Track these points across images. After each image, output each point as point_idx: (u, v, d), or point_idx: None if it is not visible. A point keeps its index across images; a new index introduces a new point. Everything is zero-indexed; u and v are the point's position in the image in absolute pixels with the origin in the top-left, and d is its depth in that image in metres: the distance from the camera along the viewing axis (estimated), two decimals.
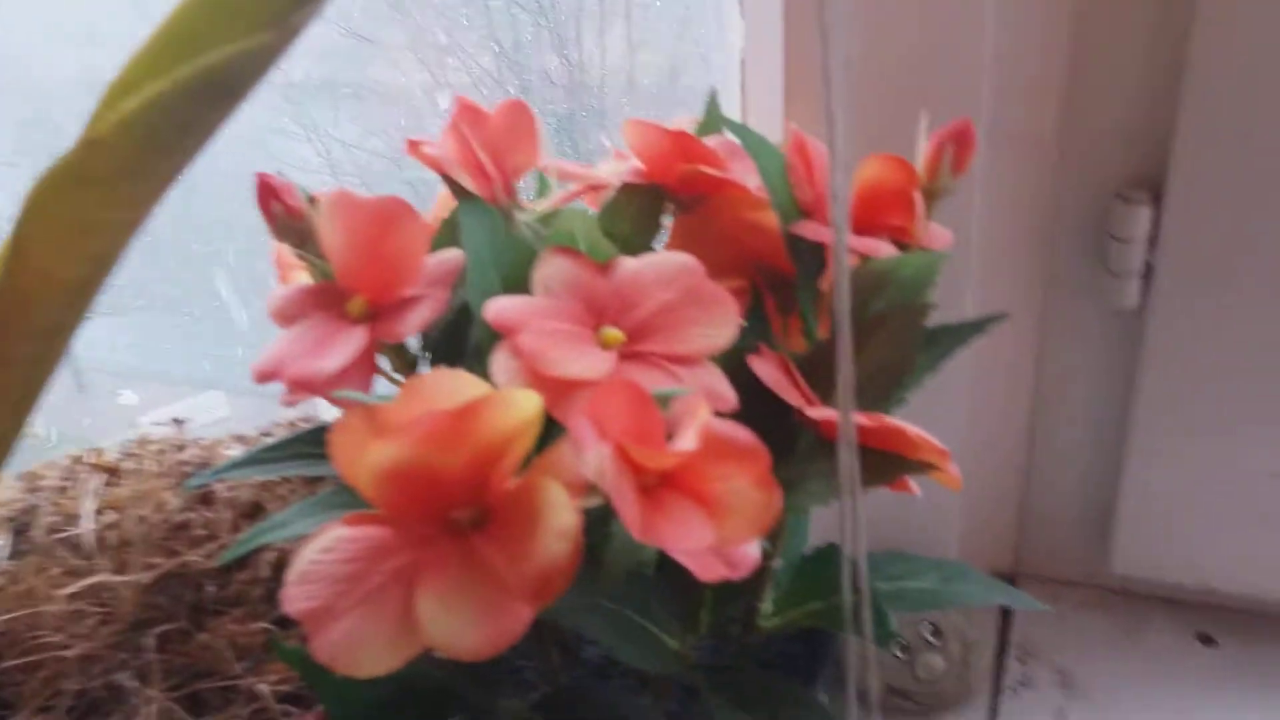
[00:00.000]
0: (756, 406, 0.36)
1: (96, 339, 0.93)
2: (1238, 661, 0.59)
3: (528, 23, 0.76)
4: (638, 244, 0.38)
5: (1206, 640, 0.61)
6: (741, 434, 0.28)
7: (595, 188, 0.40)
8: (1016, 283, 0.57)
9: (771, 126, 0.52)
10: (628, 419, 0.28)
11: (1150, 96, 0.50)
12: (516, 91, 0.79)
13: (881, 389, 0.36)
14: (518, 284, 0.34)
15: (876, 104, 0.50)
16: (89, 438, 0.53)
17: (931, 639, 0.59)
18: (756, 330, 0.38)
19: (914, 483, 0.36)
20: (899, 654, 0.59)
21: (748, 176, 0.37)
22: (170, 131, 0.27)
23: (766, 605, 0.43)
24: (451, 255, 0.35)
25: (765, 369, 0.34)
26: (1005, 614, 0.64)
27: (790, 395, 0.34)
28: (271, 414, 0.51)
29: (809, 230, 0.36)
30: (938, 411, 0.59)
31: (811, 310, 0.37)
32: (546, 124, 0.77)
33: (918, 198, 0.37)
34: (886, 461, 0.33)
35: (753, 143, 0.37)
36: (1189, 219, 0.50)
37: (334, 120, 0.85)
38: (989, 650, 0.61)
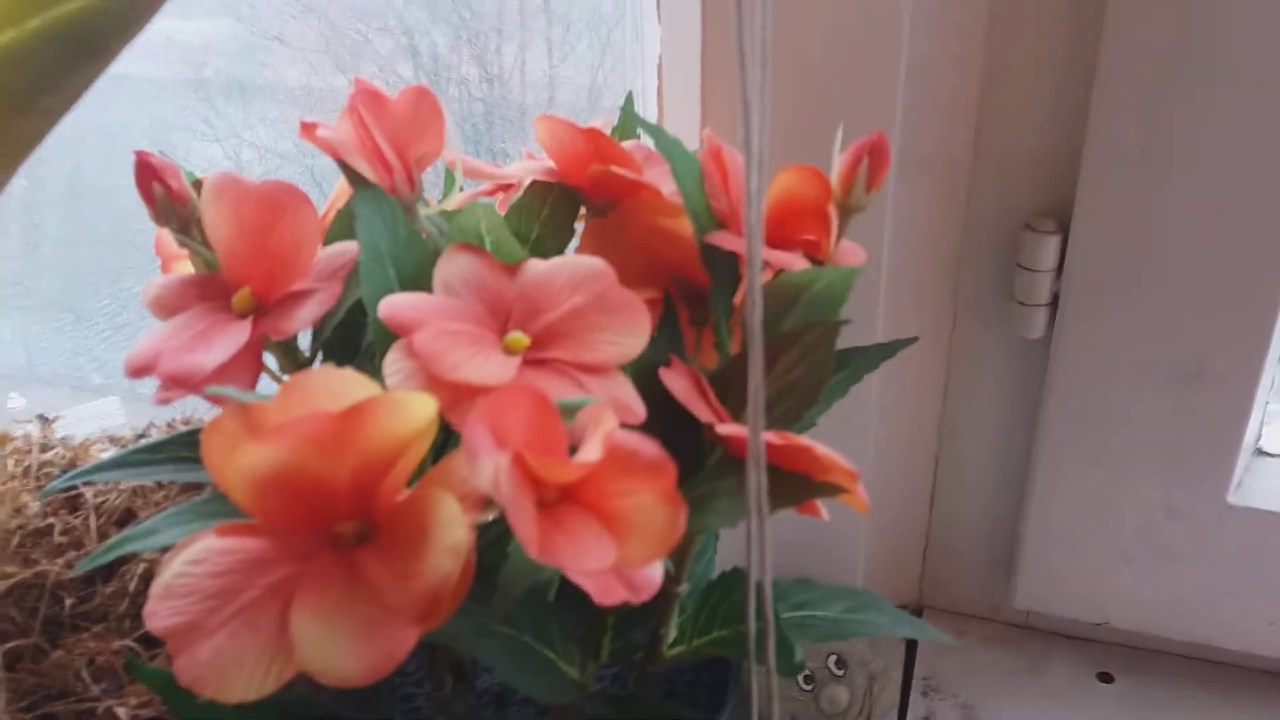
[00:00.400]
0: (666, 421, 0.34)
1: None
2: (1135, 699, 0.60)
3: (447, 33, 0.75)
4: (548, 246, 0.36)
5: (1105, 678, 0.61)
6: (647, 447, 0.27)
7: (505, 187, 0.38)
8: (926, 309, 0.56)
9: (689, 134, 0.51)
10: (528, 428, 0.26)
11: (1059, 127, 0.51)
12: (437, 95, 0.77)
13: (793, 408, 0.35)
14: (417, 281, 0.32)
15: (789, 124, 0.49)
16: None
17: (836, 670, 0.58)
18: (669, 342, 0.36)
19: (822, 508, 0.35)
20: (803, 686, 0.58)
21: (663, 181, 0.36)
22: (23, 90, 0.25)
23: (672, 632, 0.42)
24: (346, 248, 0.32)
25: (676, 382, 0.33)
26: (910, 647, 0.64)
27: (700, 410, 0.33)
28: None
29: (724, 240, 0.34)
30: (845, 438, 0.58)
31: (725, 324, 0.35)
32: (465, 136, 0.75)
33: (832, 212, 0.36)
34: (795, 482, 0.31)
35: (668, 146, 0.35)
36: (1094, 251, 0.51)
37: (245, 121, 0.82)
38: (894, 683, 0.60)
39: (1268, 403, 0.56)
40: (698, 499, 0.33)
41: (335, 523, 0.27)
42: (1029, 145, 0.52)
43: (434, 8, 0.74)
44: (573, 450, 0.27)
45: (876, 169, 0.36)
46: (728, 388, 0.36)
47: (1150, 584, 0.58)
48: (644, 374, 0.34)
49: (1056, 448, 0.56)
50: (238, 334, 0.31)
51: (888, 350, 0.45)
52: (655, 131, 0.36)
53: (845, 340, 0.45)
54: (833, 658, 0.58)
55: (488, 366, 0.29)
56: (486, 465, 0.25)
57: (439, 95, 0.73)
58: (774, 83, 0.49)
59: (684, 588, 0.40)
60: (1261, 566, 0.55)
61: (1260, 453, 0.57)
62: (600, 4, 0.61)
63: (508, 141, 0.76)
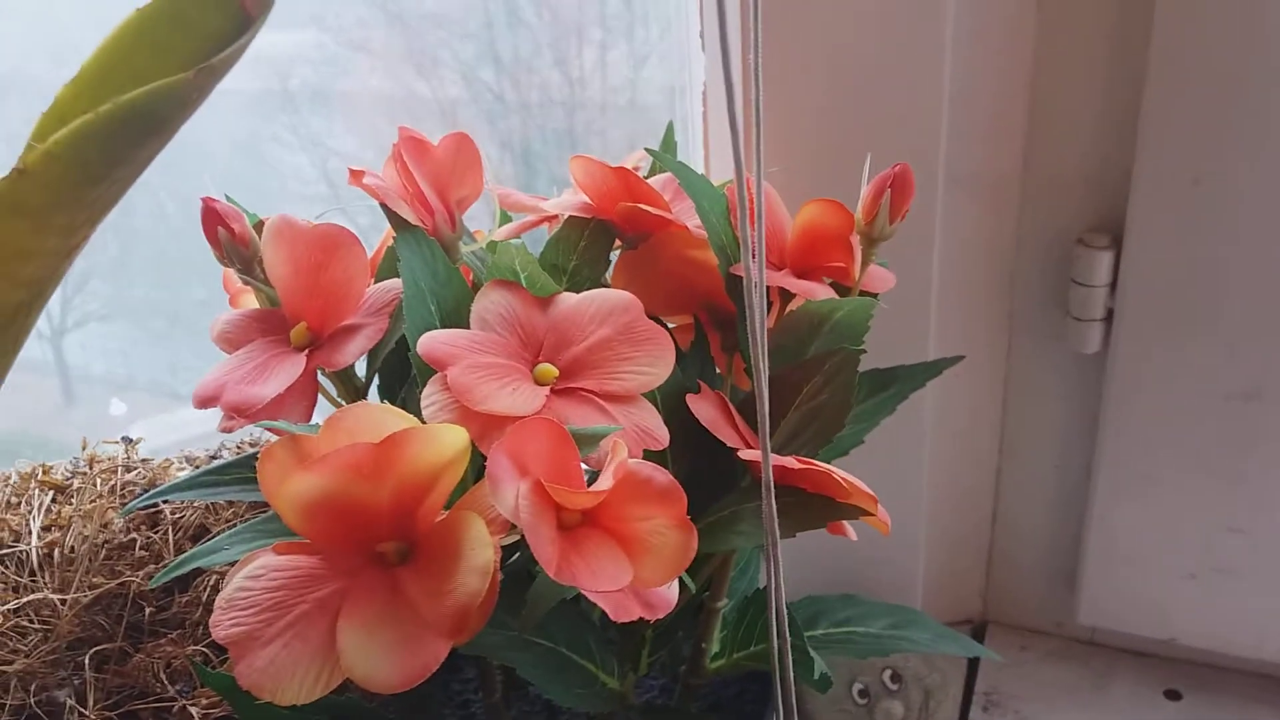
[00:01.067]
0: (700, 444, 0.36)
1: (89, 347, 0.93)
2: (1202, 717, 0.59)
3: (528, 37, 0.76)
4: (584, 276, 0.38)
5: (1173, 695, 0.60)
6: (659, 475, 0.28)
7: (545, 220, 0.40)
8: (979, 326, 0.57)
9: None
10: (547, 457, 0.28)
11: (1109, 142, 0.51)
12: (516, 106, 0.78)
13: (820, 431, 0.36)
14: (456, 315, 0.34)
15: (835, 147, 0.50)
16: (77, 448, 0.52)
17: (891, 685, 0.59)
18: (699, 367, 0.38)
19: (850, 529, 0.36)
20: (858, 700, 0.58)
21: (694, 214, 0.37)
22: (98, 163, 0.27)
23: (714, 646, 0.43)
24: (392, 285, 0.35)
25: (703, 409, 0.35)
26: (972, 662, 0.64)
27: (727, 435, 0.34)
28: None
29: (735, 274, 0.36)
30: (901, 454, 0.59)
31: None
32: (545, 139, 0.76)
33: (855, 241, 0.37)
34: (816, 505, 0.33)
35: (692, 181, 0.37)
36: (1149, 265, 0.51)
37: (330, 130, 0.84)
38: (952, 698, 0.60)
39: None
40: (724, 520, 0.34)
41: (378, 543, 0.29)
42: (1079, 161, 0.52)
43: (514, 11, 0.75)
44: (596, 476, 0.29)
45: (899, 200, 0.37)
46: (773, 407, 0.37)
47: (1215, 600, 0.57)
48: (677, 398, 0.36)
49: (1115, 463, 0.56)
50: (294, 367, 0.34)
51: (933, 369, 0.46)
52: (679, 168, 0.38)
53: (899, 357, 0.46)
54: (888, 672, 0.58)
55: (515, 398, 0.31)
56: (508, 492, 0.27)
57: (520, 98, 0.75)
58: (820, 108, 0.50)
59: (724, 604, 0.42)
60: None
61: None
62: (681, 5, 0.62)
63: (590, 140, 0.76)
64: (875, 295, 0.40)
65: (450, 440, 0.27)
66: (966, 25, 0.48)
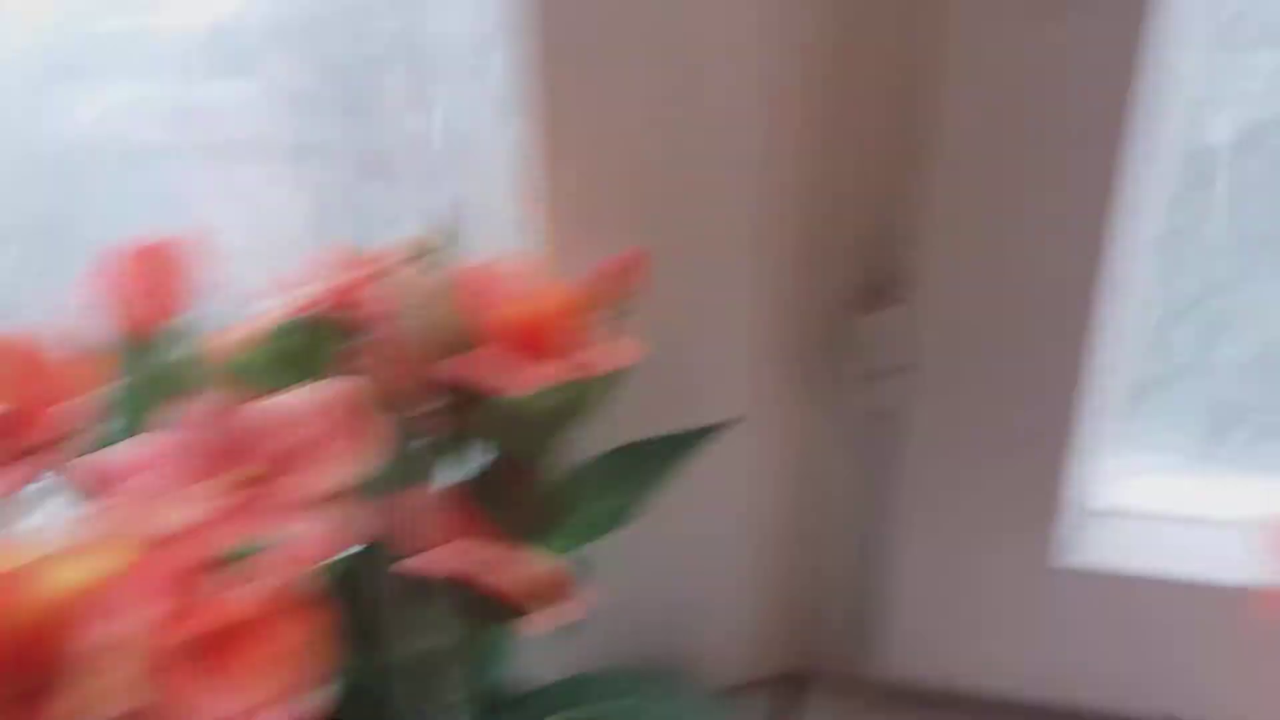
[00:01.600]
0: None
1: None
2: None
3: (473, 85, 0.76)
4: (316, 371, 0.38)
5: None
6: (296, 591, 0.28)
7: (287, 313, 0.40)
8: (767, 384, 0.56)
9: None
10: (174, 580, 0.28)
11: (900, 194, 0.50)
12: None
13: (543, 523, 0.36)
14: (153, 424, 0.34)
15: (621, 205, 0.50)
16: None
17: None
18: (417, 462, 0.38)
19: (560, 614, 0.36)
20: None
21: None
22: None
23: None
24: (95, 395, 0.35)
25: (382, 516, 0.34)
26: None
27: (396, 541, 0.34)
28: None
29: (450, 368, 0.36)
30: (702, 519, 0.58)
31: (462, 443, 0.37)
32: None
33: (582, 324, 0.37)
34: (487, 603, 0.32)
35: (426, 271, 0.37)
36: (940, 317, 0.50)
37: (267, 183, 0.85)
38: None
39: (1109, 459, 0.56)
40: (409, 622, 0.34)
41: (10, 683, 0.29)
42: (870, 215, 0.51)
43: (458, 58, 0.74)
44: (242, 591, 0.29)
45: (627, 281, 0.37)
46: (488, 499, 0.37)
47: (1014, 648, 0.58)
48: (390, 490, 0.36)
49: (915, 515, 0.56)
50: None
51: (705, 434, 0.46)
52: (420, 256, 0.38)
53: (680, 422, 0.46)
54: None
55: (173, 515, 0.31)
56: (119, 623, 0.27)
57: (463, 141, 0.74)
58: (617, 174, 0.50)
59: (461, 698, 0.41)
60: (1087, 625, 0.56)
61: (1091, 512, 0.57)
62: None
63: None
64: (619, 371, 0.40)
65: (62, 577, 0.27)
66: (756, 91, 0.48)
